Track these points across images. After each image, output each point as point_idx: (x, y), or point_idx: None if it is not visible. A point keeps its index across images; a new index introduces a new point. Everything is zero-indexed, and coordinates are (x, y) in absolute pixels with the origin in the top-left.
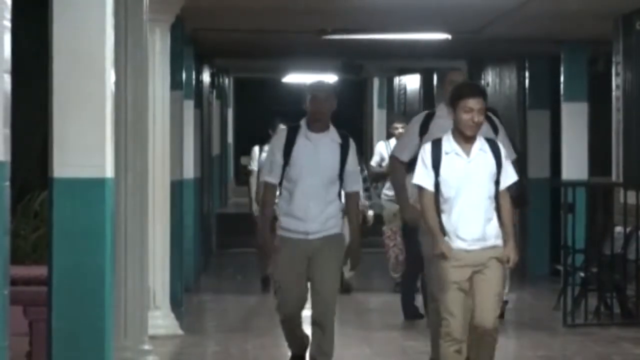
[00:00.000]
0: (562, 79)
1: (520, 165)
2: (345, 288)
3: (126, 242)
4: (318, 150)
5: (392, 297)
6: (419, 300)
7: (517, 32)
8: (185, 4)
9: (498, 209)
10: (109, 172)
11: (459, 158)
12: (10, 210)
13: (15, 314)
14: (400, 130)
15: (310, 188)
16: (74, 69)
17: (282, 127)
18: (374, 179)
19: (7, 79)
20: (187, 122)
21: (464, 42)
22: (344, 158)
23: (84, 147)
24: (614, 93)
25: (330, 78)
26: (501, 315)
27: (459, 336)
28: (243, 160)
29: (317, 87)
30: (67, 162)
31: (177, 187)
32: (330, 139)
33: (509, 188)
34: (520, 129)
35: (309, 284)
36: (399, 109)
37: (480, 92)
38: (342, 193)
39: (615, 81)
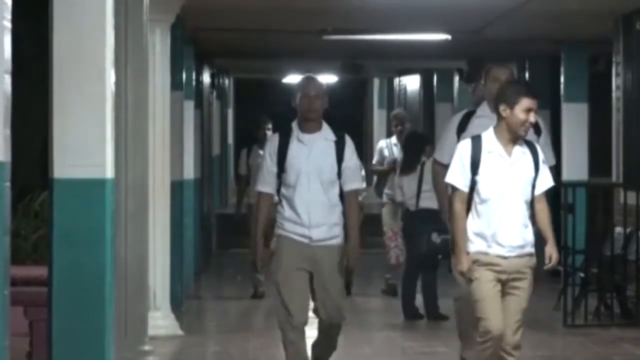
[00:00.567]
0: (562, 79)
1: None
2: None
3: (126, 242)
4: (313, 152)
5: (392, 298)
6: (419, 300)
7: (517, 32)
8: (185, 3)
9: (532, 215)
10: (109, 173)
11: (501, 159)
12: (11, 211)
13: (15, 314)
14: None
15: (309, 193)
16: (75, 69)
17: (270, 133)
18: (378, 179)
19: (8, 79)
20: (187, 123)
21: (464, 43)
22: (340, 155)
23: (84, 148)
24: (614, 93)
25: (331, 78)
26: None
27: (497, 333)
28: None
29: (307, 85)
30: (68, 163)
31: (177, 188)
32: (324, 138)
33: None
34: None
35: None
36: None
37: (535, 92)
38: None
39: (615, 81)
